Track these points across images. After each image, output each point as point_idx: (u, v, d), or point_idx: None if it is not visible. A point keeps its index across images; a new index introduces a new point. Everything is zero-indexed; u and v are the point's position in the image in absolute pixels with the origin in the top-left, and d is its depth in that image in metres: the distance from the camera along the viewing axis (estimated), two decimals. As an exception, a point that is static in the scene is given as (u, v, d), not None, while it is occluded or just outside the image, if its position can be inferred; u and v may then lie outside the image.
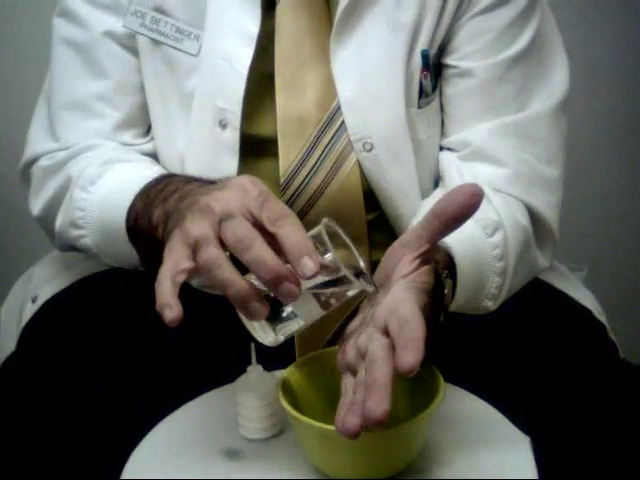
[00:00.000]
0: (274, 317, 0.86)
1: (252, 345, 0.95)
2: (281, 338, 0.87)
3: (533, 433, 0.94)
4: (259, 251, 0.80)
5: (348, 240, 0.86)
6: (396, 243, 0.90)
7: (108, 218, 1.05)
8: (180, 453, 0.94)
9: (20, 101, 1.38)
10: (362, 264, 0.85)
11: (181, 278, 0.82)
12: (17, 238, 1.62)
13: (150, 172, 1.06)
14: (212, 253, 0.81)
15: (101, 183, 1.08)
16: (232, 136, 1.12)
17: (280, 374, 0.93)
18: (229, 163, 1.13)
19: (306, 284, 0.83)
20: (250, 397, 0.94)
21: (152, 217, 0.96)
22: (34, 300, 1.17)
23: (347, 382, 0.85)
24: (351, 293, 0.86)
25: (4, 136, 1.76)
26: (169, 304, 0.80)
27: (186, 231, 0.82)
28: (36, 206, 1.18)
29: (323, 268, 0.82)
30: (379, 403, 0.77)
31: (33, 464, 0.95)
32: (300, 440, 0.90)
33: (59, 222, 1.12)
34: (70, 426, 0.98)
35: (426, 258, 0.88)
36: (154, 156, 1.19)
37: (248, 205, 0.83)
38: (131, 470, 0.92)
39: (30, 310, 1.17)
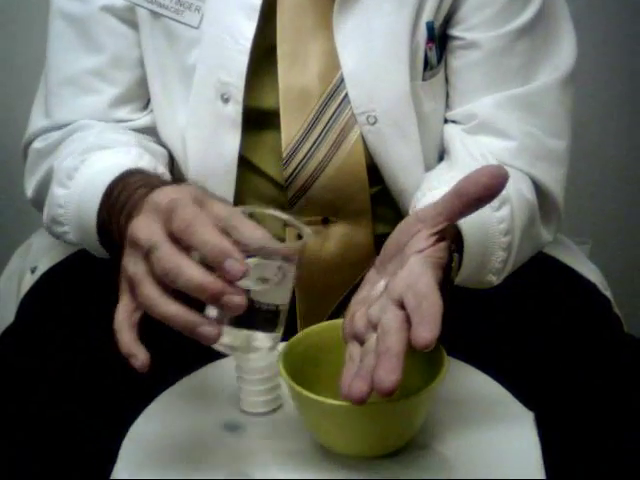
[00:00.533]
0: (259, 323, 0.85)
1: None
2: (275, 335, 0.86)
3: (537, 408, 0.93)
4: (187, 276, 0.78)
5: (271, 211, 0.86)
6: (412, 217, 0.88)
7: (83, 216, 1.04)
8: (179, 426, 0.93)
9: (22, 79, 1.37)
10: (284, 216, 0.85)
11: (136, 319, 0.82)
12: (16, 208, 1.61)
13: (118, 166, 1.03)
14: (145, 292, 0.80)
15: (78, 176, 1.07)
16: (234, 110, 1.11)
17: (281, 347, 0.91)
18: (231, 137, 1.12)
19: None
20: (251, 370, 0.93)
21: (112, 232, 0.98)
22: (33, 271, 1.17)
23: (353, 350, 0.84)
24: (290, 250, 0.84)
25: (3, 107, 1.74)
26: (132, 354, 0.81)
27: (124, 269, 0.82)
28: (28, 189, 1.18)
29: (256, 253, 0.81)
30: (390, 372, 0.76)
31: (30, 437, 0.95)
32: (301, 414, 0.89)
33: (44, 217, 1.12)
34: (68, 399, 0.97)
35: (443, 235, 0.87)
36: (151, 130, 1.17)
37: (162, 224, 0.81)
38: (130, 443, 0.91)
39: (29, 281, 1.17)
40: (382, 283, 0.86)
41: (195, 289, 0.78)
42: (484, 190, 0.83)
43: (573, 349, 1.01)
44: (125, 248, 0.82)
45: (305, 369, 0.90)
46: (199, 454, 0.89)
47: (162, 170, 1.10)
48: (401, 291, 0.82)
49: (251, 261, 0.82)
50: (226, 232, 0.80)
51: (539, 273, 1.13)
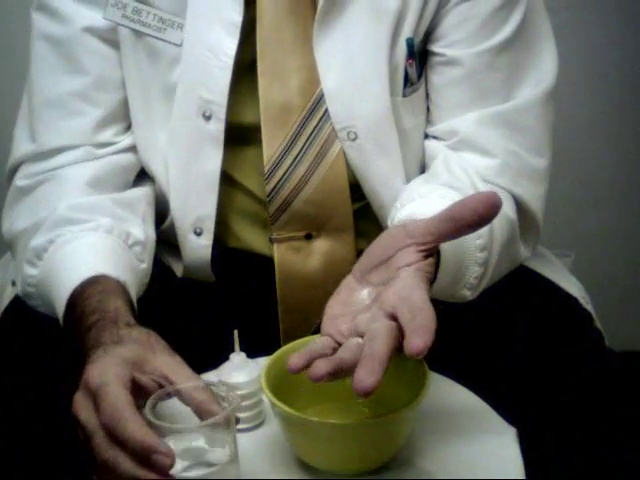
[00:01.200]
0: None
1: (235, 332, 0.94)
2: None
3: (519, 423, 0.93)
4: (122, 469, 0.79)
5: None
6: (400, 230, 0.88)
7: (53, 307, 1.03)
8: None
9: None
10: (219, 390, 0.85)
11: None
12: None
13: (83, 268, 1.01)
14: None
15: (45, 259, 1.06)
16: (216, 127, 1.11)
17: (264, 362, 0.91)
18: (213, 154, 1.12)
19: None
20: (233, 385, 0.93)
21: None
22: (14, 284, 1.16)
23: (325, 341, 0.85)
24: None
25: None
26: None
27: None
28: (3, 225, 1.16)
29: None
30: (370, 374, 0.76)
31: (12, 448, 0.95)
32: (283, 431, 0.89)
33: (18, 288, 1.11)
34: (52, 413, 0.96)
35: (431, 251, 0.87)
36: (135, 150, 1.17)
37: (94, 409, 0.82)
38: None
39: (10, 294, 1.16)
40: (365, 292, 0.86)
41: (132, 475, 0.79)
42: (478, 218, 0.84)
43: (554, 364, 1.01)
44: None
45: (287, 385, 0.89)
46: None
47: (134, 237, 1.09)
48: (394, 304, 0.82)
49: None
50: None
51: (520, 287, 1.13)
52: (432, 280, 0.89)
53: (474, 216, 0.84)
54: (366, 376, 0.76)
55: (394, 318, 0.81)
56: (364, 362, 0.77)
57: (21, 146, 1.16)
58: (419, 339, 0.77)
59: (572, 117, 1.78)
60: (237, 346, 0.96)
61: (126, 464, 0.79)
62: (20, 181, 1.14)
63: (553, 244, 1.30)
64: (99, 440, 0.81)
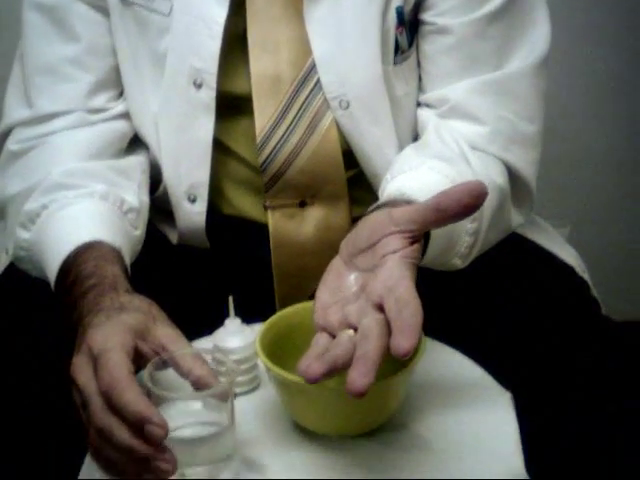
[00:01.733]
0: None
1: (230, 298, 0.94)
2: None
3: (514, 388, 0.93)
4: (117, 437, 0.79)
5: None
6: (385, 217, 0.87)
7: (45, 271, 1.03)
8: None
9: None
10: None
11: None
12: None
13: (77, 232, 1.02)
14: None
15: (39, 223, 1.06)
16: (207, 95, 1.10)
17: (259, 327, 0.91)
18: (205, 123, 1.11)
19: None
20: (228, 350, 0.93)
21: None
22: (7, 252, 1.16)
23: (320, 339, 0.84)
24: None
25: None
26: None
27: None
28: None
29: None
30: (364, 375, 0.75)
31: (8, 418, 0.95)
32: (279, 395, 0.89)
33: (9, 252, 1.11)
34: (47, 383, 0.96)
35: (417, 238, 0.86)
36: (129, 117, 1.16)
37: (92, 372, 0.82)
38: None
39: (4, 261, 1.16)
40: (352, 278, 0.86)
41: (125, 450, 0.79)
42: (464, 209, 0.83)
43: (550, 331, 1.01)
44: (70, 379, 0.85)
45: (282, 350, 0.90)
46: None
47: (129, 204, 1.10)
48: (381, 293, 0.81)
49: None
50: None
51: (517, 256, 1.13)
52: (418, 264, 0.88)
53: (459, 207, 0.83)
54: (359, 378, 0.75)
55: (382, 309, 0.81)
56: (357, 364, 0.76)
57: (14, 112, 1.15)
58: (405, 341, 0.76)
59: (572, 88, 1.78)
60: (232, 311, 0.96)
61: (121, 433, 0.79)
62: (13, 145, 1.14)
63: (549, 214, 1.30)
64: (96, 406, 0.81)
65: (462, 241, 1.01)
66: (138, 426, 0.78)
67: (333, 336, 0.83)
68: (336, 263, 0.88)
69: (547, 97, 1.15)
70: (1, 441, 0.95)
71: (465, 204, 0.83)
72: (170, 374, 0.84)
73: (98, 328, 0.85)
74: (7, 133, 1.15)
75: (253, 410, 0.92)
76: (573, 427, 0.93)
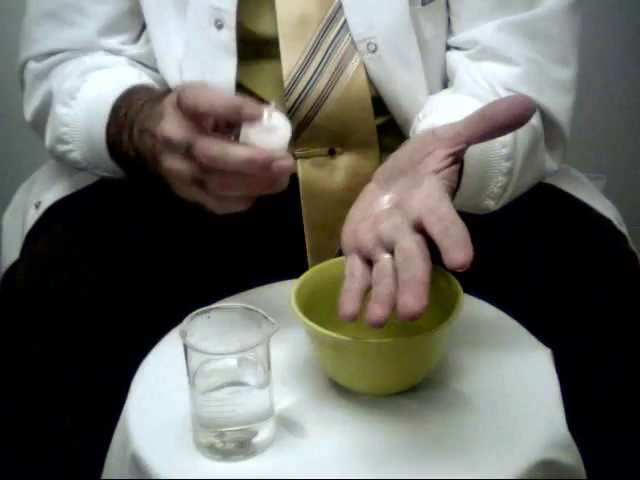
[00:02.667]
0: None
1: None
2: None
3: (554, 344, 0.92)
4: (234, 155, 0.82)
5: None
6: (428, 134, 0.86)
7: (92, 132, 1.05)
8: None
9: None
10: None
11: None
12: (19, 143, 1.58)
13: (121, 83, 1.05)
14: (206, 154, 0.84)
15: (80, 96, 1.07)
16: (228, 36, 1.09)
17: (293, 285, 0.89)
18: (227, 65, 1.10)
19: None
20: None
21: (123, 147, 1.00)
22: (37, 206, 1.15)
23: (354, 264, 0.82)
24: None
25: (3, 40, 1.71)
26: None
27: (166, 169, 0.87)
28: (27, 112, 1.17)
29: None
30: (417, 298, 0.74)
31: (35, 371, 0.95)
32: (316, 351, 0.88)
33: (47, 138, 1.12)
34: (77, 335, 0.97)
35: (458, 157, 0.84)
36: (145, 62, 1.15)
37: (185, 117, 0.85)
38: (141, 378, 0.91)
39: (33, 216, 1.15)
40: (387, 198, 0.84)
41: (245, 164, 0.82)
42: (510, 119, 0.81)
43: (589, 285, 1.00)
44: (161, 153, 0.87)
45: (318, 306, 0.88)
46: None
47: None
48: (420, 213, 0.79)
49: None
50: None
51: (553, 209, 1.11)
52: (455, 189, 0.87)
53: (507, 116, 0.81)
54: (413, 301, 0.74)
55: (419, 228, 0.79)
56: (408, 286, 0.75)
57: (26, 50, 1.16)
58: (460, 252, 0.75)
59: (607, 37, 1.74)
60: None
61: (237, 149, 0.82)
62: (34, 65, 1.14)
63: (585, 167, 1.27)
64: (203, 140, 0.83)
65: (496, 180, 1.01)
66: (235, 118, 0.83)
67: (366, 259, 0.81)
68: (370, 187, 0.87)
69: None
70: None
71: (513, 114, 0.81)
72: (203, 331, 0.82)
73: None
74: (23, 67, 1.16)
75: (289, 368, 0.91)
76: (614, 382, 0.92)
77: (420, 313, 0.74)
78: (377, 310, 0.76)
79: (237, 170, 0.82)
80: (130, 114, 0.98)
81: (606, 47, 1.76)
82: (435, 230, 0.78)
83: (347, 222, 0.85)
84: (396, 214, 0.82)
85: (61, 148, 1.10)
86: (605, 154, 1.82)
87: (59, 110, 1.08)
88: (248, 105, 0.82)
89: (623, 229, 1.15)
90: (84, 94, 1.07)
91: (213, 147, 0.82)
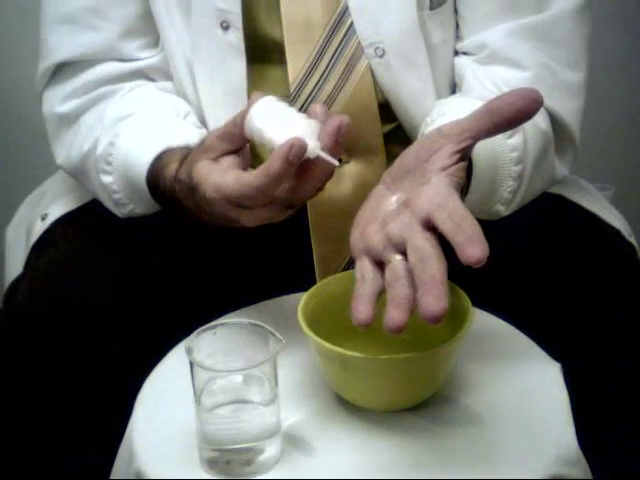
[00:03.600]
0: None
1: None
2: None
3: (563, 358, 0.91)
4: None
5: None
6: (434, 132, 0.85)
7: (141, 194, 1.04)
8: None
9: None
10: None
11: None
12: (23, 155, 1.58)
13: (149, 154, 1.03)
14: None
15: (114, 161, 1.06)
16: (235, 37, 1.08)
17: (300, 298, 0.88)
18: (237, 66, 1.09)
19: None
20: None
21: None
22: (44, 218, 1.14)
23: (364, 267, 0.80)
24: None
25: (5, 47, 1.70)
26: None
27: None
28: (58, 156, 1.15)
29: None
30: (439, 299, 0.73)
31: (39, 386, 0.94)
32: (322, 366, 0.87)
33: (110, 208, 1.10)
34: (82, 347, 0.96)
35: (466, 154, 0.83)
36: (161, 71, 1.14)
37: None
38: (151, 384, 0.91)
39: (39, 228, 1.14)
40: (394, 198, 0.83)
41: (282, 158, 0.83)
42: (517, 112, 0.80)
43: (598, 297, 0.99)
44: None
45: (325, 320, 0.87)
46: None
47: (185, 108, 1.11)
48: (428, 210, 0.78)
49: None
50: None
51: (562, 220, 1.10)
52: (463, 188, 0.86)
53: (513, 110, 0.80)
54: (435, 302, 0.73)
55: (429, 226, 0.78)
56: (429, 288, 0.74)
57: (44, 62, 1.14)
58: (476, 248, 0.74)
59: (614, 42, 1.73)
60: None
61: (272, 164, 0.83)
62: (60, 107, 1.12)
63: (593, 177, 1.27)
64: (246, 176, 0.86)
65: (506, 185, 1.00)
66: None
67: (377, 262, 0.80)
68: (377, 188, 0.86)
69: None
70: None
71: (519, 108, 0.80)
72: (208, 348, 0.81)
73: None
74: (44, 89, 1.14)
75: (295, 384, 0.90)
76: (624, 398, 0.91)
77: (443, 314, 0.73)
78: (395, 315, 0.75)
79: (279, 175, 0.83)
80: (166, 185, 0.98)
81: (613, 55, 1.75)
82: (446, 227, 0.76)
83: (355, 225, 0.84)
84: (404, 213, 0.80)
85: (124, 211, 1.08)
86: (612, 165, 1.81)
87: (103, 180, 1.07)
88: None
89: (632, 240, 1.14)
90: (117, 158, 1.06)
91: (261, 176, 0.84)
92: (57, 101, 1.12)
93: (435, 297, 0.73)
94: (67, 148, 1.12)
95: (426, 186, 0.81)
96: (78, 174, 1.12)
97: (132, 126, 1.07)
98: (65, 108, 1.12)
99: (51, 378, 0.94)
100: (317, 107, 0.89)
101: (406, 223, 0.79)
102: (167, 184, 0.97)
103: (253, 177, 0.84)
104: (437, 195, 0.79)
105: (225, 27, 1.07)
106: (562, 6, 1.07)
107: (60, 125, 1.13)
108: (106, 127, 1.07)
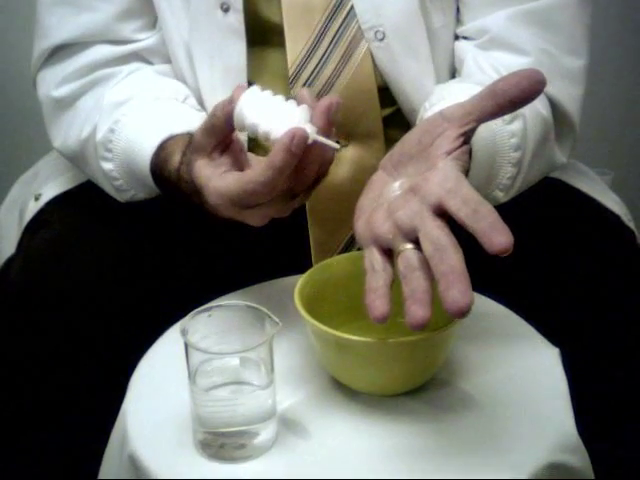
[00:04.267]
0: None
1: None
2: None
3: (562, 343, 0.90)
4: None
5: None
6: (436, 116, 0.83)
7: (144, 180, 1.03)
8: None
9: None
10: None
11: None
12: (15, 136, 1.56)
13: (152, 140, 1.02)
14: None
15: (115, 148, 1.05)
16: (236, 19, 1.07)
17: (297, 281, 0.87)
18: (236, 49, 1.08)
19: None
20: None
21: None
22: (37, 198, 1.13)
23: (373, 257, 0.78)
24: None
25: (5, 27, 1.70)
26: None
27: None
28: (55, 140, 1.14)
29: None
30: (463, 292, 0.71)
31: (31, 367, 0.94)
32: (319, 350, 0.86)
33: (111, 193, 1.09)
34: (74, 331, 0.96)
35: (469, 136, 0.82)
36: (158, 52, 1.13)
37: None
38: (139, 375, 0.89)
39: (33, 208, 1.13)
40: (397, 184, 0.81)
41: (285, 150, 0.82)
42: (521, 93, 0.78)
43: (598, 282, 0.98)
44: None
45: (322, 304, 0.86)
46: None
47: (184, 91, 1.10)
48: (439, 196, 0.76)
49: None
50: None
51: (562, 205, 1.10)
52: (467, 171, 0.84)
53: (517, 90, 0.78)
54: (460, 296, 0.71)
55: (440, 213, 0.76)
56: (451, 280, 0.71)
57: (39, 44, 1.13)
58: (502, 236, 0.72)
59: (614, 28, 1.72)
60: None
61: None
62: (56, 92, 1.11)
63: (592, 162, 1.26)
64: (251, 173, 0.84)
65: (504, 171, 0.99)
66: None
67: (384, 250, 0.78)
68: (377, 175, 0.85)
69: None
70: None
71: (523, 88, 0.78)
72: (204, 330, 0.80)
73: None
74: (39, 70, 1.13)
75: (291, 367, 0.89)
76: (623, 383, 0.91)
77: (469, 307, 0.71)
78: (419, 311, 0.72)
79: (284, 167, 0.82)
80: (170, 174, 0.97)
81: (613, 42, 1.75)
82: (462, 214, 0.74)
83: (358, 213, 0.83)
84: (413, 200, 0.78)
85: (125, 196, 1.08)
86: (611, 150, 1.80)
87: (104, 166, 1.06)
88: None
89: (632, 225, 1.13)
90: (118, 146, 1.05)
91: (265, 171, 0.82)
92: (53, 85, 1.11)
93: (460, 290, 0.71)
94: (64, 132, 1.11)
95: (433, 171, 0.79)
96: (77, 159, 1.11)
97: (132, 112, 1.06)
98: (61, 92, 1.11)
99: (44, 359, 0.94)
100: (304, 91, 0.88)
101: (416, 210, 0.77)
102: (172, 176, 0.96)
103: (257, 173, 0.83)
104: (446, 180, 0.77)
105: (225, 9, 1.06)
106: None
107: (56, 109, 1.12)
108: (105, 113, 1.06)
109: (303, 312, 0.83)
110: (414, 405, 0.84)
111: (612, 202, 1.15)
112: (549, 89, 1.05)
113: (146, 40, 1.12)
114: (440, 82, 1.10)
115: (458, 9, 1.11)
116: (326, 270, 0.90)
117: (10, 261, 1.08)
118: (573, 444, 0.81)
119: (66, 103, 1.11)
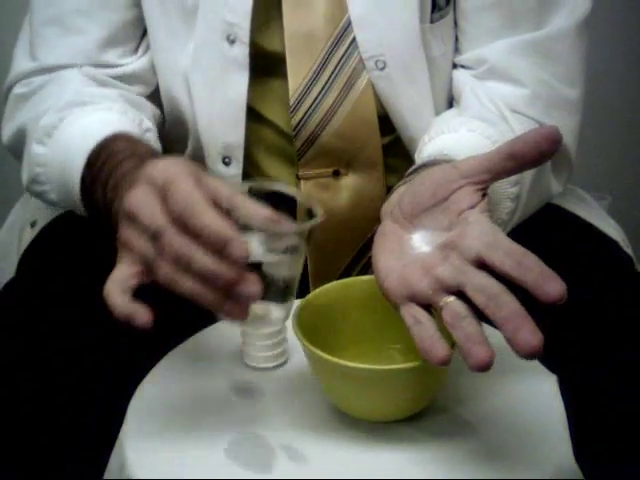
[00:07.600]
0: None
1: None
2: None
3: (560, 371, 0.90)
4: (200, 264, 0.74)
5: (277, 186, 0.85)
6: (451, 170, 0.82)
7: (66, 177, 1.00)
8: (187, 387, 0.91)
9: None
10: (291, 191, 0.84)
11: (131, 285, 0.78)
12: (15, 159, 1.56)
13: (100, 127, 0.99)
14: (163, 271, 0.76)
15: (57, 136, 1.03)
16: (241, 51, 1.08)
17: (295, 306, 0.87)
18: (238, 80, 1.09)
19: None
20: (258, 325, 0.89)
21: (96, 201, 0.93)
22: (33, 225, 1.13)
23: (415, 312, 0.78)
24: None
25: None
26: (130, 314, 0.77)
27: (124, 240, 0.78)
28: (4, 135, 1.13)
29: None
30: (533, 332, 0.72)
31: (30, 393, 0.93)
32: (317, 376, 0.86)
33: (24, 177, 1.08)
34: (69, 357, 0.95)
35: (486, 190, 0.82)
36: (141, 78, 1.14)
37: (160, 202, 0.76)
38: (136, 404, 0.89)
39: (29, 235, 1.13)
40: (417, 237, 0.81)
41: (205, 275, 0.74)
42: (540, 156, 0.79)
43: (595, 308, 0.98)
44: (121, 220, 0.78)
45: (320, 329, 0.86)
46: (207, 416, 0.87)
47: (147, 124, 1.07)
48: (479, 250, 0.76)
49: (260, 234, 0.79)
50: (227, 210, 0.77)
51: (559, 230, 1.10)
52: None
53: (536, 153, 0.79)
54: (531, 336, 0.71)
55: (480, 266, 0.76)
56: (518, 323, 0.72)
57: (20, 64, 1.13)
58: (554, 282, 0.73)
59: (609, 53, 1.73)
60: None
61: (201, 257, 0.73)
62: (20, 89, 1.11)
63: (589, 187, 1.26)
64: (171, 233, 0.74)
65: (503, 206, 0.99)
66: (218, 248, 0.73)
67: (423, 306, 0.78)
68: (388, 227, 0.84)
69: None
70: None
71: (542, 150, 0.79)
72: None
73: (155, 163, 0.78)
74: (11, 86, 1.13)
75: (289, 393, 0.89)
76: (622, 411, 0.90)
77: (541, 347, 0.72)
78: (481, 352, 0.73)
79: (199, 274, 0.75)
80: (107, 168, 0.92)
81: (608, 68, 1.76)
82: (507, 267, 0.74)
83: (384, 272, 0.81)
84: (452, 255, 0.78)
85: (37, 189, 1.06)
86: (609, 174, 1.81)
87: (35, 149, 1.04)
88: (236, 241, 0.73)
89: (629, 251, 1.13)
90: (61, 133, 1.02)
91: (179, 246, 0.74)
92: (20, 86, 1.11)
93: (530, 331, 0.71)
94: (17, 122, 1.10)
95: (466, 226, 0.79)
96: (16, 147, 1.10)
97: (87, 114, 1.03)
98: (25, 89, 1.10)
99: (43, 383, 0.93)
100: None
101: (458, 266, 0.77)
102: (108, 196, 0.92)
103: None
104: (484, 234, 0.77)
105: (232, 41, 1.07)
106: (562, 23, 1.08)
107: (16, 102, 1.11)
108: (61, 104, 1.05)
109: (301, 337, 0.82)
110: (411, 432, 0.84)
111: (610, 228, 1.15)
112: (547, 121, 1.07)
113: (129, 65, 1.12)
114: (438, 110, 1.11)
115: (457, 38, 1.12)
116: (324, 296, 0.90)
117: (10, 284, 1.08)
118: (571, 471, 0.81)
119: (26, 98, 1.10)
